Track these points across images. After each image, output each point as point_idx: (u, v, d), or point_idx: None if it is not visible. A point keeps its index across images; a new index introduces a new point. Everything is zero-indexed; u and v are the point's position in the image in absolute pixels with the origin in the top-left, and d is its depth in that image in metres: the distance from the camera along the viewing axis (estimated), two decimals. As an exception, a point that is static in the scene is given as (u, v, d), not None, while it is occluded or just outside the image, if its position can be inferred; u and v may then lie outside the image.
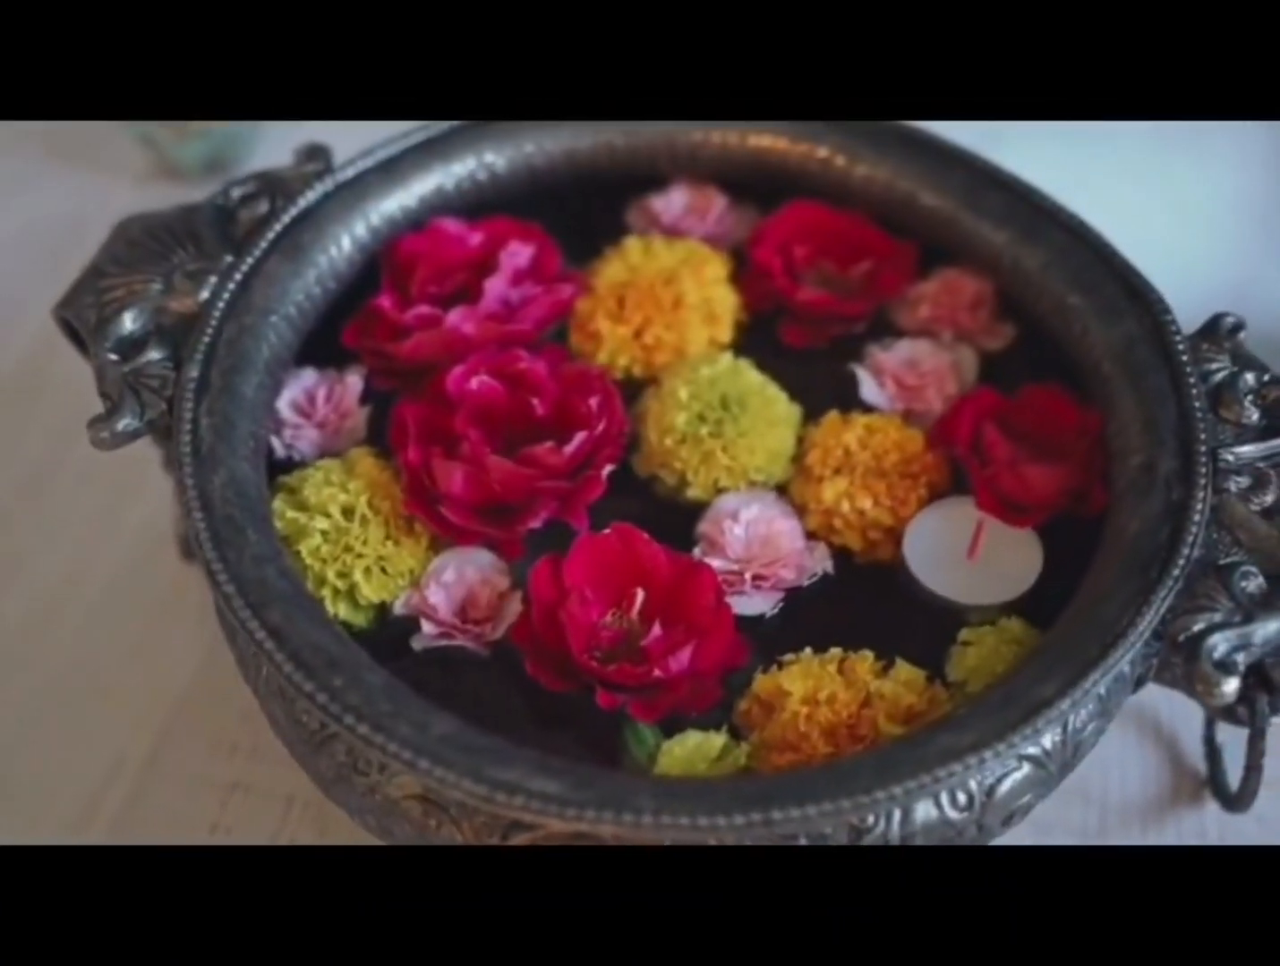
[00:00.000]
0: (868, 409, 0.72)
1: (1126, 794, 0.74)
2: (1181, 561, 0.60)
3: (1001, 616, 0.65)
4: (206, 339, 0.67)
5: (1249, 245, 0.96)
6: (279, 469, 0.69)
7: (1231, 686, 0.57)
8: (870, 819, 0.57)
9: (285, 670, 0.57)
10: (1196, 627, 0.58)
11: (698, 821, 0.54)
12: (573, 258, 0.77)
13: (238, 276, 0.69)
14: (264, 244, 0.70)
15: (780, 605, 0.67)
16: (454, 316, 0.71)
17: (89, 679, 0.77)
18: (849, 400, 0.73)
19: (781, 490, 0.70)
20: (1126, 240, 0.93)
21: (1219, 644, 0.58)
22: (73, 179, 1.00)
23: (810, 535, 0.69)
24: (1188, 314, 0.89)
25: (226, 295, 0.68)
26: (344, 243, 0.73)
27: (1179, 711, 0.75)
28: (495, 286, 0.73)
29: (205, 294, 0.69)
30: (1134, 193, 0.97)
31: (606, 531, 0.66)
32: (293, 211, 0.72)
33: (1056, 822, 0.72)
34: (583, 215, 0.79)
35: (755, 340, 0.76)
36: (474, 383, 0.68)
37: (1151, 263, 0.92)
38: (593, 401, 0.69)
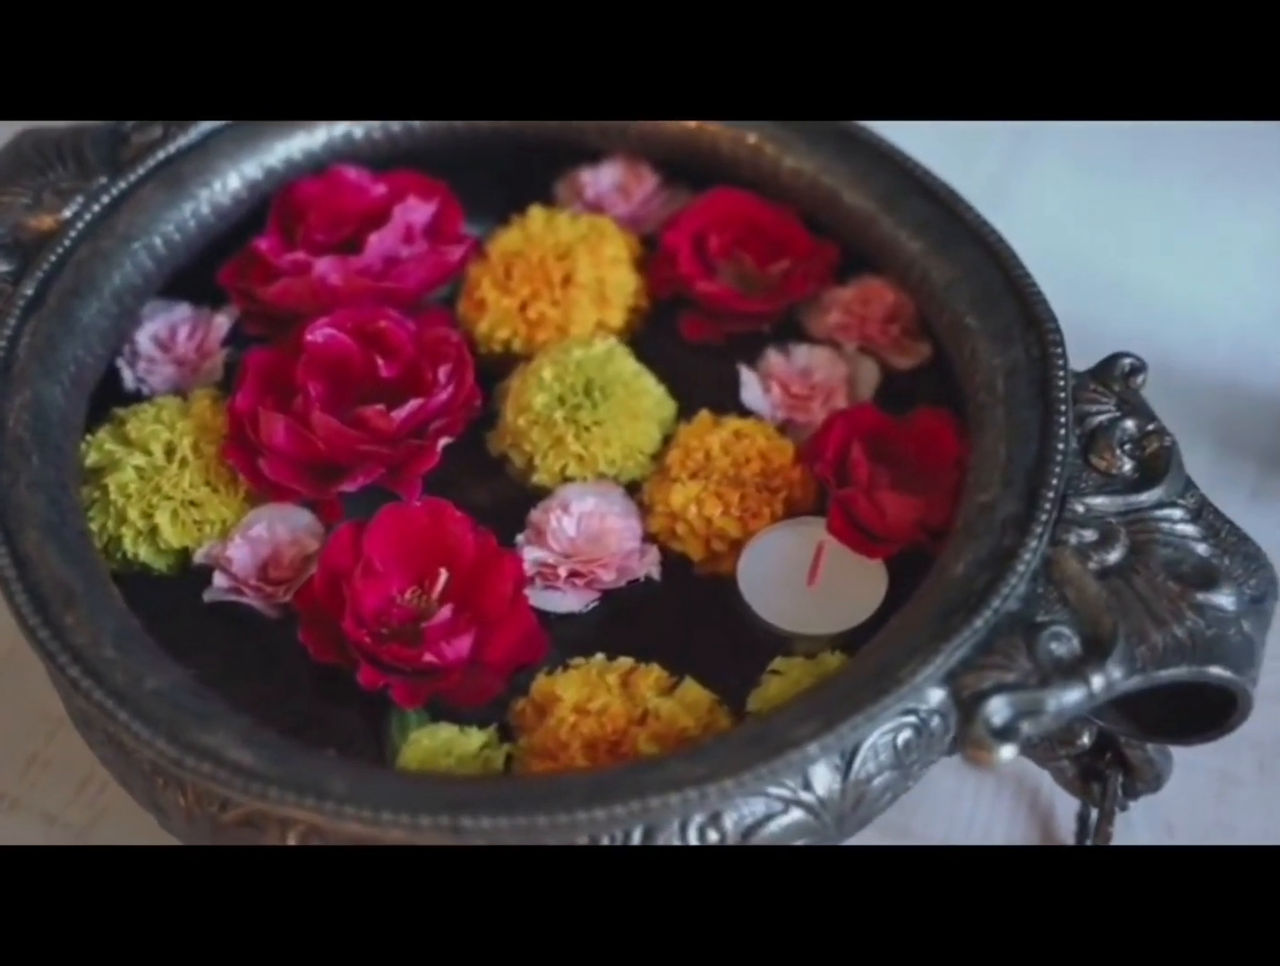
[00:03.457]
0: (747, 413, 0.67)
1: (981, 858, 0.68)
2: (988, 612, 0.54)
3: (826, 650, 0.60)
4: (53, 258, 0.65)
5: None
6: (126, 401, 0.67)
7: (1007, 754, 0.51)
8: (605, 840, 0.53)
9: (18, 600, 0.55)
10: (982, 686, 0.53)
11: (380, 815, 0.50)
12: (499, 225, 0.74)
13: (105, 199, 0.67)
14: (141, 170, 0.68)
15: (594, 605, 0.63)
16: (322, 265, 0.68)
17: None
18: (733, 402, 0.68)
19: (637, 487, 0.66)
20: (1157, 278, 0.88)
21: (1001, 707, 0.52)
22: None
23: (652, 538, 0.64)
24: (1200, 357, 0.84)
25: (88, 216, 0.67)
26: (230, 179, 0.70)
27: (1062, 782, 0.69)
28: (381, 240, 0.70)
29: (69, 213, 0.67)
30: (1175, 232, 0.91)
31: (416, 503, 0.62)
32: (181, 141, 0.69)
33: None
34: (515, 181, 0.76)
35: (656, 328, 0.72)
36: (319, 335, 0.65)
37: (1177, 305, 0.86)
38: (442, 370, 0.65)
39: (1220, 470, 0.80)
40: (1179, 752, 0.65)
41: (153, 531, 0.63)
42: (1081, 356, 0.65)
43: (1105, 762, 0.63)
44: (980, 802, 0.70)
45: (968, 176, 0.92)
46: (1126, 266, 0.89)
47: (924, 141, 0.91)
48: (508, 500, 0.66)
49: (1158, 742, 0.61)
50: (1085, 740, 0.61)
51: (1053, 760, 0.64)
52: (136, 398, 0.68)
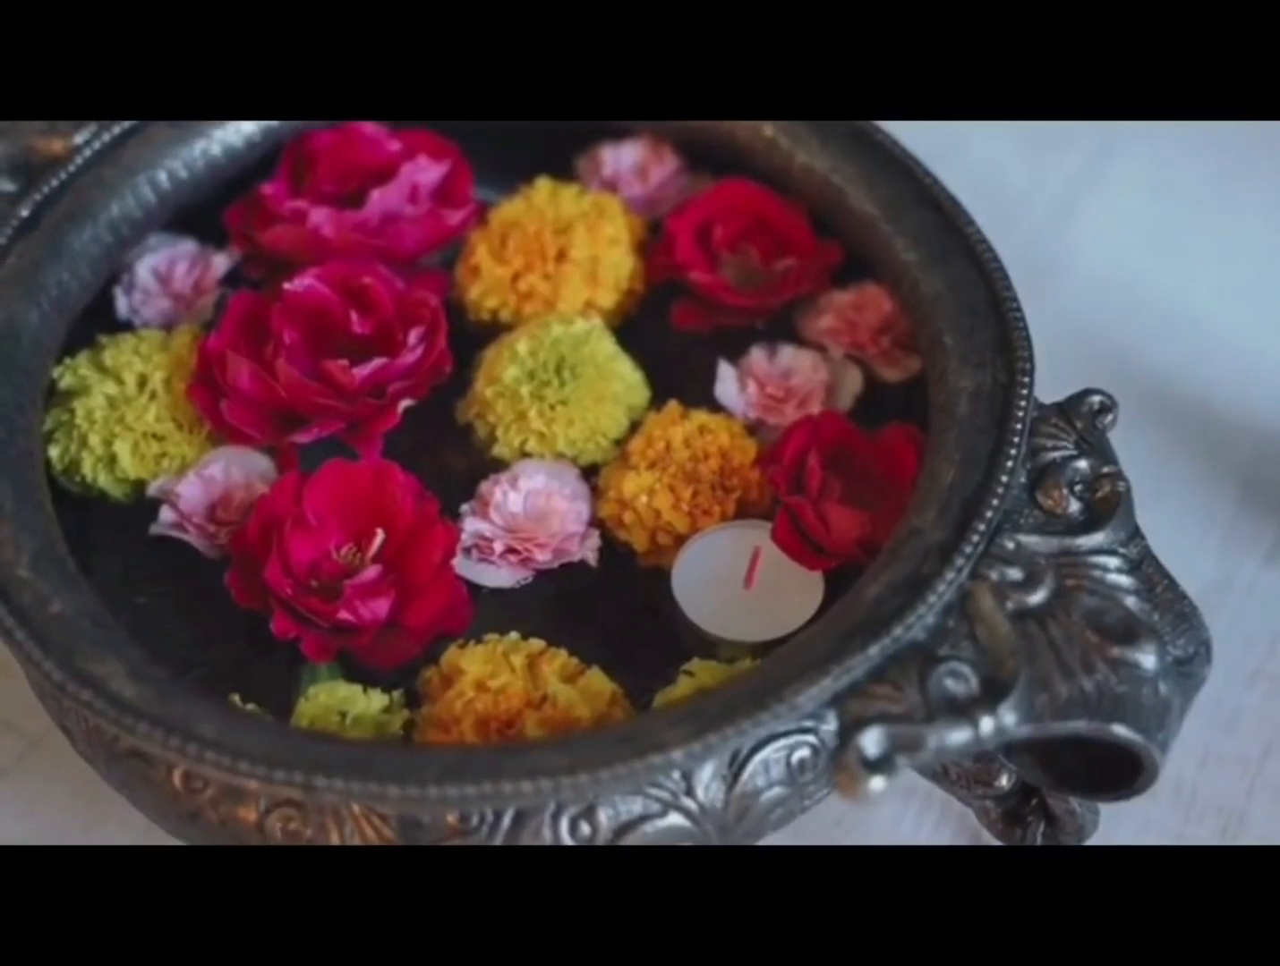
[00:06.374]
0: (719, 408, 0.66)
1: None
2: (887, 640, 0.53)
3: (747, 657, 0.59)
4: (55, 182, 0.66)
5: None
6: (116, 329, 0.68)
7: (876, 786, 0.50)
8: (474, 819, 0.52)
9: (-56, 510, 0.57)
10: (865, 713, 0.51)
11: (238, 765, 0.50)
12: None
13: (116, 129, 0.68)
14: (158, 104, 0.69)
15: (526, 583, 0.62)
16: (317, 215, 0.68)
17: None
18: (711, 396, 0.67)
19: (597, 470, 0.66)
20: (1212, 312, 0.84)
21: (879, 738, 0.51)
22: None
23: (599, 523, 0.64)
24: (1239, 398, 0.80)
25: (98, 145, 0.68)
26: (246, 121, 0.71)
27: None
28: (384, 197, 0.70)
29: (80, 140, 0.68)
30: (1239, 266, 0.87)
31: (362, 461, 0.63)
32: (202, 79, 0.70)
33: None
34: (541, 151, 0.75)
35: (651, 314, 0.71)
36: (299, 285, 0.66)
37: (1226, 342, 0.83)
38: (414, 332, 0.65)
39: (1242, 521, 0.78)
40: (1138, 808, 0.63)
41: (112, 459, 0.64)
42: (1114, 385, 0.62)
43: (1029, 809, 0.61)
44: (920, 831, 0.68)
45: (1037, 191, 0.91)
46: (1183, 297, 0.86)
47: (998, 150, 0.90)
48: (481, 469, 0.66)
49: (1068, 794, 0.59)
50: (1004, 783, 0.60)
51: (974, 799, 0.62)
52: (128, 327, 0.69)
